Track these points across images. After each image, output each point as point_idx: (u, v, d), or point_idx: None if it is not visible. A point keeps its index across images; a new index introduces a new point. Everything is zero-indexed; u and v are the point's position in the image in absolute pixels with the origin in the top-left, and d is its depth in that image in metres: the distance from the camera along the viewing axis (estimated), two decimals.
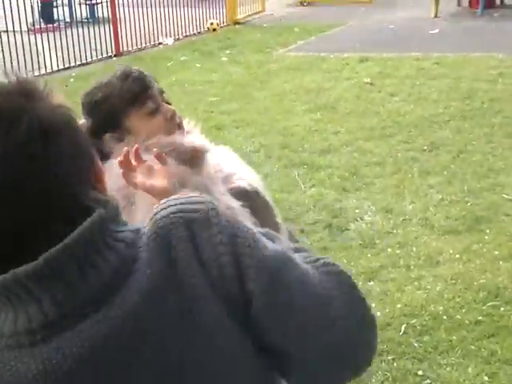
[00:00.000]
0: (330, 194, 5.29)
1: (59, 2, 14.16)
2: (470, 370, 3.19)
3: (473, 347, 3.35)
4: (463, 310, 3.66)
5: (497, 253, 4.25)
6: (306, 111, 7.44)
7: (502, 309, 3.64)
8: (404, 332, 3.52)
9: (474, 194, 5.16)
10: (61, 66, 10.45)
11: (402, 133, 6.66)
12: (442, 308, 3.70)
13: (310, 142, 6.48)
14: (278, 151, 6.29)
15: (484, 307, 3.66)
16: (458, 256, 4.25)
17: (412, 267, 4.16)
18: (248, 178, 1.79)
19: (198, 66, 10.18)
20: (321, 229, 4.77)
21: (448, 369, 3.21)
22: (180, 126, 1.77)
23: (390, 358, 3.33)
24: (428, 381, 3.15)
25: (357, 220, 4.87)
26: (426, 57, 9.61)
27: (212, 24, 13.00)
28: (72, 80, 9.25)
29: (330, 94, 8.05)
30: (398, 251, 4.37)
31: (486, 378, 3.13)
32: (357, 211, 5.00)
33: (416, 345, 3.41)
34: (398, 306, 3.74)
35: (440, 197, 5.13)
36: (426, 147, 6.24)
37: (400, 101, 7.71)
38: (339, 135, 6.66)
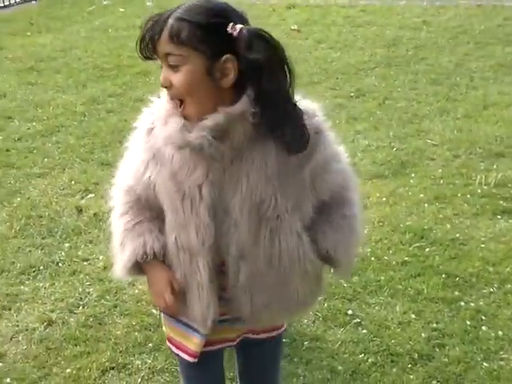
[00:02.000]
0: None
1: None
2: (397, 308, 3.27)
3: (400, 286, 3.43)
4: (390, 251, 3.74)
5: (422, 196, 4.34)
6: None
7: (427, 249, 3.73)
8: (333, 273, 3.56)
9: (399, 139, 5.25)
10: None
11: (330, 80, 6.68)
12: (370, 250, 3.76)
13: None
14: None
15: (410, 248, 3.75)
16: (384, 199, 4.33)
17: None
18: None
19: (122, 10, 9.90)
20: None
21: (376, 308, 3.28)
22: None
23: (319, 298, 3.37)
24: (357, 320, 3.20)
25: None
26: (353, 4, 9.63)
27: None
28: None
29: None
30: None
31: (412, 316, 3.21)
32: None
33: (345, 285, 3.47)
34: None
35: (366, 142, 5.19)
36: (352, 94, 6.29)
37: (327, 48, 7.73)
38: None
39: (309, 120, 1.75)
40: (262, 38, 1.65)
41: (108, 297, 3.42)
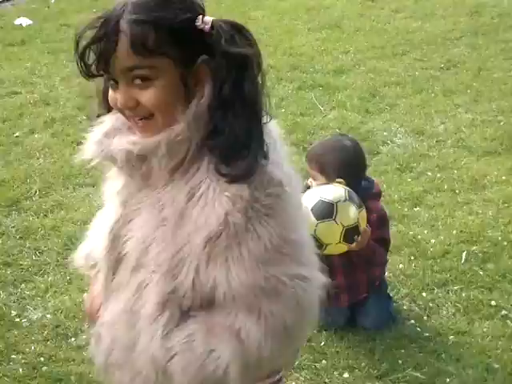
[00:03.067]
0: (354, 117, 5.00)
1: None
2: None
3: None
4: None
5: None
6: (310, 30, 7.06)
7: None
8: (466, 260, 3.32)
9: (504, 112, 4.92)
10: None
11: (416, 51, 6.34)
12: (499, 233, 3.50)
13: (321, 63, 6.14)
14: (289, 73, 5.94)
15: None
16: (504, 178, 4.03)
17: (457, 191, 3.94)
18: None
19: None
20: None
21: None
22: None
23: (456, 288, 3.13)
24: (504, 312, 2.96)
25: (387, 143, 4.61)
26: None
27: None
28: None
29: (331, 12, 7.64)
30: (438, 175, 4.13)
31: None
32: (385, 134, 4.73)
33: (481, 273, 3.21)
34: (454, 232, 3.52)
35: (470, 117, 4.88)
36: (443, 65, 5.95)
37: (406, 17, 7.35)
38: (350, 55, 6.31)
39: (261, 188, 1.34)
40: (242, 31, 1.37)
41: None
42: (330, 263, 2.74)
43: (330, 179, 2.80)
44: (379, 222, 2.83)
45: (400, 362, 2.74)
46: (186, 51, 1.33)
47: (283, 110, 5.17)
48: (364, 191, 2.82)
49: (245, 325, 1.36)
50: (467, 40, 6.52)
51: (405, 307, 3.04)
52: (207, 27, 1.33)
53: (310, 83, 5.68)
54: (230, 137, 1.33)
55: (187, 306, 1.41)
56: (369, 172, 4.16)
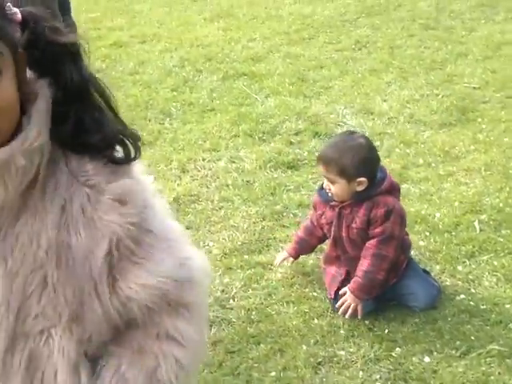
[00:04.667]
0: (295, 102, 4.90)
1: None
2: None
3: None
4: None
5: (507, 139, 4.17)
6: (206, 21, 6.87)
7: None
8: (480, 229, 3.33)
9: (436, 86, 5.04)
10: None
11: (321, 34, 6.36)
12: (498, 200, 3.55)
13: (234, 52, 5.98)
14: (206, 64, 5.73)
15: None
16: (472, 147, 4.11)
17: (434, 165, 3.95)
18: None
19: None
20: (308, 138, 4.40)
21: None
22: None
23: (485, 257, 3.13)
24: None
25: (340, 125, 4.56)
26: None
27: None
28: None
29: (218, 1, 7.50)
30: (407, 150, 4.14)
31: None
32: (332, 116, 4.68)
33: (502, 240, 3.24)
34: (455, 204, 3.53)
35: (407, 92, 4.95)
36: (354, 46, 6.01)
37: (295, 3, 7.37)
38: (258, 42, 6.21)
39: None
40: (55, 20, 1.27)
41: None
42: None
43: (351, 180, 2.73)
44: (387, 215, 2.72)
45: (473, 338, 2.68)
46: (13, 38, 1.10)
47: (218, 102, 4.97)
48: (375, 186, 2.76)
49: (173, 325, 1.25)
50: (365, 21, 6.64)
51: (447, 283, 2.99)
52: (18, 16, 1.11)
53: (233, 73, 5.51)
54: (78, 126, 1.14)
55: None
56: None
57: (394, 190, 2.83)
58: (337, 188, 2.74)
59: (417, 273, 2.90)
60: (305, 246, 3.06)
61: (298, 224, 3.48)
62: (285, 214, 3.59)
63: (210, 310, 2.92)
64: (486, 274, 3.03)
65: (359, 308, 2.75)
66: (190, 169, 4.12)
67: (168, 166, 4.17)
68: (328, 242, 2.98)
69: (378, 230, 2.70)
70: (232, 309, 2.94)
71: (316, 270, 3.12)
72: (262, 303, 2.97)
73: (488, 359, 2.57)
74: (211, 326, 2.85)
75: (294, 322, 2.83)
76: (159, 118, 4.83)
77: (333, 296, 2.84)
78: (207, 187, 3.88)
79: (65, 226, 1.12)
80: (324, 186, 2.85)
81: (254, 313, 2.91)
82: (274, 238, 3.40)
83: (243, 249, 3.34)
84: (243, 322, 2.85)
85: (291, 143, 4.34)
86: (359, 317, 2.77)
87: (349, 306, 2.75)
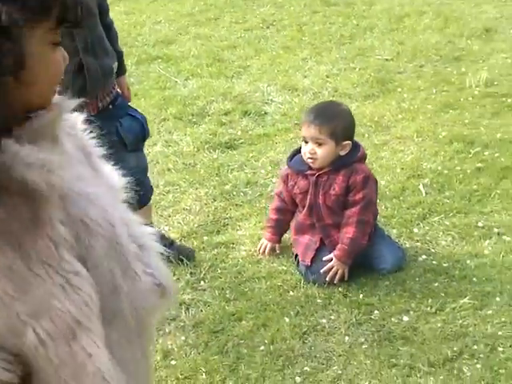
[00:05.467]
0: (218, 83, 4.89)
1: None
2: None
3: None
4: (455, 161, 3.73)
5: (430, 106, 4.36)
6: None
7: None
8: (426, 193, 3.48)
9: (350, 60, 5.18)
10: None
11: (226, 14, 6.37)
12: (435, 164, 3.72)
13: (142, 35, 5.91)
14: None
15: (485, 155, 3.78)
16: (400, 116, 4.27)
17: (367, 135, 4.08)
18: None
19: None
20: (239, 117, 4.42)
21: (505, 212, 3.27)
22: None
23: (436, 218, 3.28)
24: (495, 229, 3.17)
25: (267, 102, 4.61)
26: None
27: None
28: None
29: None
30: None
31: None
32: (257, 94, 4.72)
33: (448, 201, 3.40)
34: (397, 170, 3.67)
35: (325, 67, 5.06)
36: (261, 24, 6.07)
37: None
38: (164, 25, 6.15)
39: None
40: None
41: None
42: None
43: (338, 142, 2.84)
44: (365, 182, 2.87)
45: (443, 294, 2.82)
46: None
47: (138, 87, 4.88)
48: (352, 153, 2.88)
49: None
50: (267, 0, 6.69)
51: (407, 245, 3.12)
52: None
53: (146, 57, 5.43)
54: None
55: None
56: (272, 132, 4.17)
57: (364, 158, 2.94)
58: (324, 150, 2.81)
59: (383, 237, 3.02)
60: (283, 226, 3.11)
61: (250, 202, 3.52)
62: (235, 193, 3.60)
63: (184, 293, 2.91)
64: (441, 233, 3.19)
65: (346, 272, 2.83)
66: None
67: None
68: (298, 212, 3.03)
69: (358, 196, 2.81)
70: (205, 290, 2.94)
71: (280, 245, 3.16)
72: (234, 281, 2.98)
73: (462, 312, 2.72)
74: (188, 308, 2.85)
75: (270, 297, 2.87)
76: None
77: (309, 263, 2.90)
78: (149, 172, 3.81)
79: None
80: (305, 151, 2.86)
81: (227, 291, 2.92)
82: (230, 217, 3.41)
83: (201, 230, 3.34)
84: (220, 302, 2.86)
85: (223, 123, 4.34)
86: (346, 279, 2.86)
87: (336, 272, 2.82)
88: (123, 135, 2.76)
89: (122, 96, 2.89)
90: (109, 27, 2.80)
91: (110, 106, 2.75)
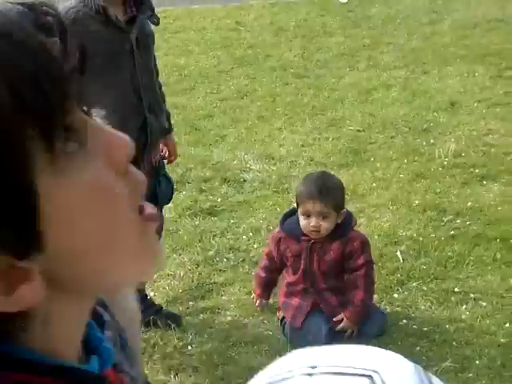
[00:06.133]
0: (195, 151, 5.03)
1: None
2: (489, 275, 3.43)
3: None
4: (429, 229, 3.88)
5: (402, 175, 4.54)
6: None
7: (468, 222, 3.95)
8: (403, 259, 3.61)
9: (323, 130, 5.37)
10: None
11: (200, 85, 6.56)
12: (410, 231, 3.86)
13: None
14: None
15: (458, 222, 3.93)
16: (374, 185, 4.43)
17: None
18: None
19: None
20: (219, 185, 4.54)
21: (480, 278, 3.41)
22: None
23: (415, 284, 3.40)
24: (471, 295, 3.30)
25: (245, 170, 4.74)
26: None
27: None
28: None
29: None
30: None
31: None
32: (235, 162, 4.86)
33: (424, 267, 3.53)
34: (375, 237, 3.80)
35: (300, 137, 5.24)
36: (235, 95, 6.26)
37: (169, 54, 7.53)
38: None
39: None
40: None
41: None
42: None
43: (339, 212, 2.98)
44: (363, 247, 3.01)
45: (424, 358, 2.91)
46: None
47: None
48: (347, 221, 3.03)
49: None
50: (239, 71, 6.92)
51: (388, 310, 3.22)
52: None
53: None
54: None
55: None
56: (251, 199, 4.29)
57: (355, 225, 3.08)
58: (329, 222, 2.93)
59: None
60: (271, 284, 3.21)
61: (234, 267, 3.60)
62: (218, 258, 3.69)
63: (172, 358, 2.96)
64: (420, 298, 3.31)
65: (355, 332, 2.97)
66: None
67: None
68: (287, 275, 3.13)
69: (359, 261, 2.95)
70: (193, 355, 2.99)
71: (265, 310, 3.24)
72: (221, 346, 3.04)
73: (445, 376, 2.80)
74: (177, 373, 2.89)
75: (258, 361, 2.92)
76: None
77: (300, 325, 2.98)
78: None
79: None
80: (308, 224, 2.94)
81: (215, 356, 2.98)
82: (214, 282, 3.49)
83: (186, 296, 3.40)
84: (208, 367, 2.91)
85: (203, 190, 4.46)
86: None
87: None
88: (159, 195, 2.89)
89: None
90: (160, 88, 2.98)
91: (157, 165, 2.91)
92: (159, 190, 2.93)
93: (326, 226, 2.93)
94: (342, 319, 2.97)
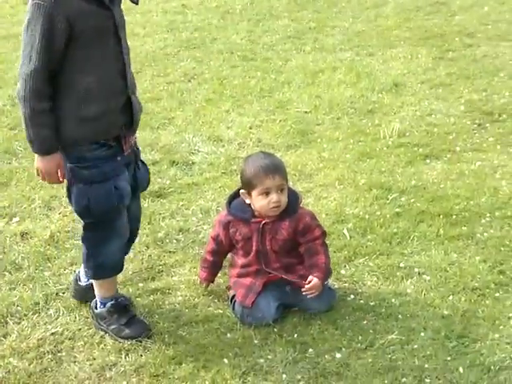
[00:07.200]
0: (143, 134, 4.99)
1: None
2: (433, 250, 3.53)
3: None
4: (375, 207, 3.96)
5: (348, 156, 4.61)
6: None
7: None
8: (350, 236, 3.68)
9: (271, 112, 5.41)
10: None
11: (147, 68, 6.51)
12: (357, 210, 3.94)
13: None
14: None
15: (402, 199, 4.02)
16: (321, 165, 4.50)
17: (292, 182, 4.26)
18: None
19: None
20: (167, 167, 4.55)
21: (424, 253, 3.50)
22: None
23: (361, 260, 3.47)
24: (416, 269, 3.39)
25: (194, 152, 4.75)
26: None
27: None
28: None
29: None
30: None
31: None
32: (183, 145, 4.86)
33: (371, 243, 3.61)
34: (323, 215, 3.85)
35: (248, 119, 5.26)
36: (183, 78, 6.24)
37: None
38: None
39: None
40: None
41: None
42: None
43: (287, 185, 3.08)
44: (313, 221, 3.08)
45: (371, 331, 2.99)
46: None
47: None
48: (294, 202, 3.09)
49: None
50: (186, 54, 6.89)
51: (336, 286, 3.29)
52: None
53: None
54: None
55: None
56: (200, 181, 4.32)
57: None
58: (285, 195, 3.00)
59: None
60: (217, 267, 3.24)
61: (183, 249, 3.63)
62: (167, 240, 3.70)
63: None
64: (366, 274, 3.38)
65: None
66: (56, 206, 4.10)
67: (31, 205, 4.11)
68: (236, 257, 3.16)
69: (317, 231, 3.06)
70: None
71: (215, 289, 3.28)
72: (172, 326, 3.06)
73: (390, 348, 2.89)
74: (127, 353, 2.90)
75: (209, 339, 2.97)
76: (5, 157, 4.73)
77: (251, 305, 3.02)
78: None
79: None
80: (269, 202, 2.96)
81: (166, 336, 3.00)
82: (164, 264, 3.51)
83: (136, 278, 3.41)
84: (159, 346, 2.93)
85: (151, 173, 4.42)
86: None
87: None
88: (139, 178, 2.92)
89: None
90: None
91: (135, 148, 2.92)
92: (139, 174, 2.93)
93: (284, 199, 3.00)
94: (311, 280, 2.98)
